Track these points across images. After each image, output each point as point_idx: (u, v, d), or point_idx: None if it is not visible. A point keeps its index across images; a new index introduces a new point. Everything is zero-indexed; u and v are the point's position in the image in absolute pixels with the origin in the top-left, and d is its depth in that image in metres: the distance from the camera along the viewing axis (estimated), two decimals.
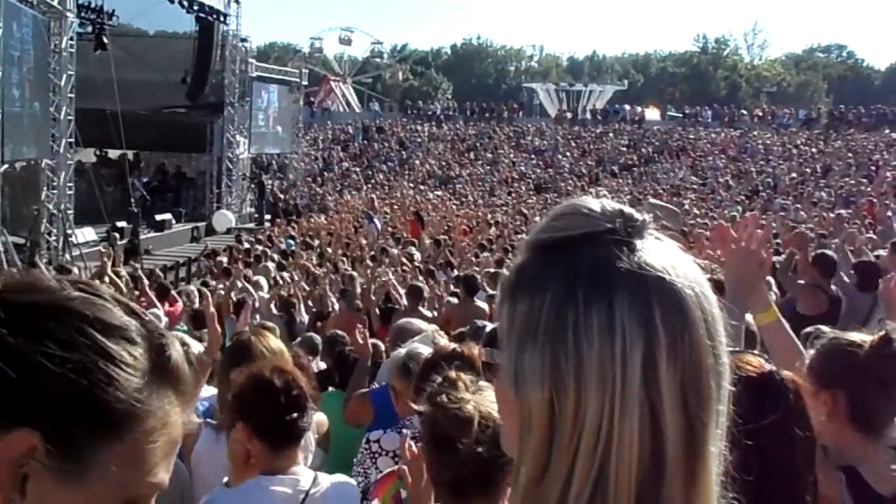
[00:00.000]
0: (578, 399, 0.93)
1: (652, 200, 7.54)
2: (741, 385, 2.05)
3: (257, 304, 11.62)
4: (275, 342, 3.91)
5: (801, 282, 8.20)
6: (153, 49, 31.04)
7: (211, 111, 31.08)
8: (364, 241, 20.72)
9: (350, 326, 8.79)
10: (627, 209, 1.01)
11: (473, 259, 16.97)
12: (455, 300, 10.85)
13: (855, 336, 2.68)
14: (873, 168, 33.91)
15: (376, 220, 25.27)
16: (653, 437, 0.92)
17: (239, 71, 31.97)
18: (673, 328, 0.93)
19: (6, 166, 18.64)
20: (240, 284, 13.42)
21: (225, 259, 19.16)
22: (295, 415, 2.93)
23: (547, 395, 0.94)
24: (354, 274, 13.29)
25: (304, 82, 41.57)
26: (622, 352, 0.92)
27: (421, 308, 10.08)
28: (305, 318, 11.48)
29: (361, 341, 5.57)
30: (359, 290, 11.88)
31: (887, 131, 41.18)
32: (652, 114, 55.04)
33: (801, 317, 7.06)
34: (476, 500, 2.32)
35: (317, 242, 21.14)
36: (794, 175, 35.74)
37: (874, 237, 14.74)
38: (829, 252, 9.24)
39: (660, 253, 0.97)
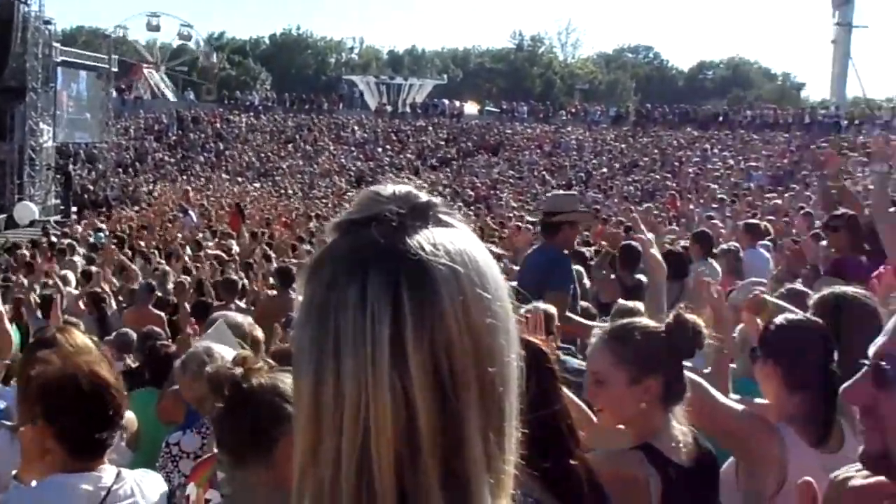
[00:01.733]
0: (337, 375, 0.94)
1: (556, 192, 7.89)
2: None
3: (64, 301, 11.08)
4: (80, 338, 3.71)
5: (603, 272, 8.71)
6: None
7: (11, 97, 29.33)
8: (179, 235, 20.14)
9: (146, 321, 8.54)
10: (415, 192, 1.03)
11: (291, 252, 16.78)
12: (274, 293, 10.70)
13: (646, 320, 2.92)
14: (677, 164, 35.65)
15: (192, 213, 24.65)
16: (407, 415, 0.93)
17: (42, 55, 30.32)
18: (420, 307, 0.94)
19: None
20: (48, 280, 12.76)
21: (27, 253, 18.20)
22: (105, 434, 2.79)
23: (312, 374, 0.96)
24: (168, 269, 12.90)
25: (114, 69, 39.98)
26: (371, 330, 0.93)
27: (237, 301, 9.88)
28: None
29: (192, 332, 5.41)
30: (171, 284, 11.53)
31: (689, 129, 43.37)
32: (470, 108, 55.96)
33: (602, 305, 7.51)
34: (251, 464, 2.36)
35: (126, 236, 20.36)
36: (604, 170, 37.13)
37: (676, 228, 15.49)
38: (634, 244, 9.68)
39: (433, 235, 0.98)
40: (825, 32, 56.57)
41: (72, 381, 2.79)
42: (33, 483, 2.84)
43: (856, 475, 1.62)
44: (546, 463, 2.22)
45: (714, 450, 2.99)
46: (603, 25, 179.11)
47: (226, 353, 3.79)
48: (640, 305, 4.81)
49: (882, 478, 1.56)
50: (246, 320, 4.61)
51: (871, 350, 1.52)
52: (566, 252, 6.60)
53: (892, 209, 6.23)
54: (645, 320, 2.95)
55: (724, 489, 3.05)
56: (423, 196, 1.03)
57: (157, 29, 63.84)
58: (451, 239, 0.99)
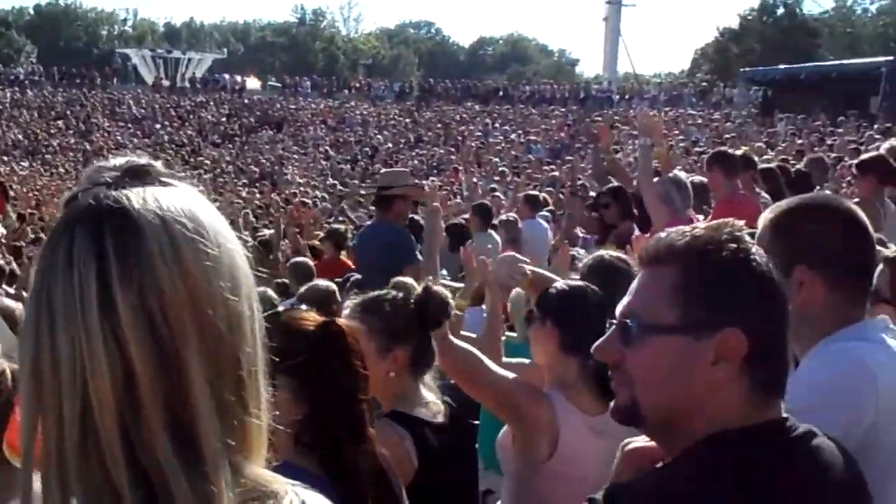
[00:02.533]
0: (52, 341, 0.94)
1: (388, 169, 8.00)
2: (303, 335, 2.26)
3: None
4: None
5: None
6: None
7: None
8: None
9: None
10: (135, 159, 1.03)
11: None
12: None
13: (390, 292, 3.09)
14: (460, 138, 36.34)
15: None
16: (124, 367, 0.93)
17: None
18: (124, 255, 0.94)
19: None
20: None
21: None
22: None
23: (31, 341, 0.96)
24: None
25: None
26: (79, 286, 0.93)
27: (5, 286, 9.29)
28: None
29: None
30: None
31: (471, 104, 44.28)
32: (252, 83, 54.86)
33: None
34: None
35: None
36: (389, 145, 37.36)
37: (461, 202, 15.82)
38: (415, 217, 9.83)
39: (144, 191, 0.99)
40: (597, 10, 59.05)
41: None
42: None
43: (636, 440, 1.73)
44: (329, 442, 2.26)
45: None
46: (385, 1, 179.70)
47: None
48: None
49: (648, 442, 1.66)
50: (17, 306, 4.36)
51: (618, 309, 1.61)
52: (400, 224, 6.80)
53: (655, 179, 6.63)
54: (394, 292, 3.04)
55: (502, 455, 3.16)
56: (143, 160, 1.03)
57: None
58: (165, 194, 1.00)
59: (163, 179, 1.02)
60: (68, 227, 0.96)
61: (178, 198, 1.00)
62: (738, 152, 8.16)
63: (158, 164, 1.04)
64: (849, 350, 2.07)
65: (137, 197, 0.97)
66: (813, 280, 2.12)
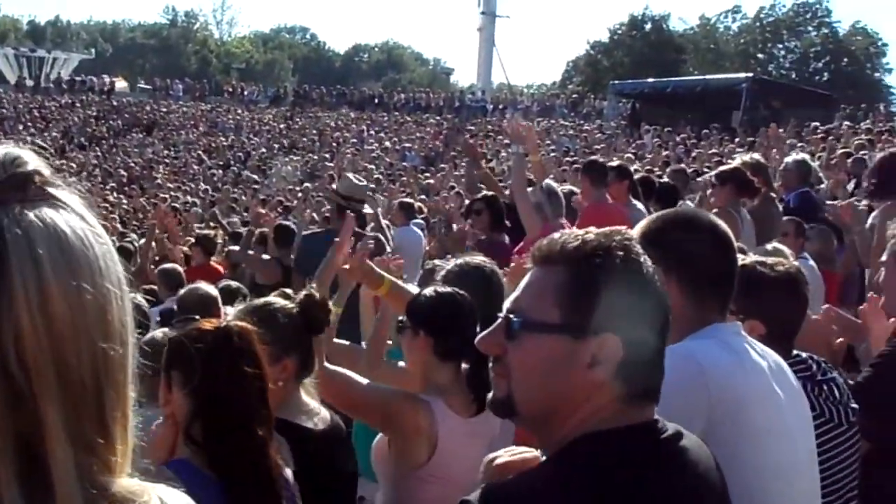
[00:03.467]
0: None
1: (351, 177, 7.73)
2: (200, 338, 2.36)
3: None
4: None
5: (257, 255, 8.70)
6: None
7: None
8: None
9: None
10: (23, 159, 0.98)
11: None
12: None
13: (282, 301, 3.05)
14: (335, 144, 36.18)
15: None
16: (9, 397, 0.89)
17: None
18: None
19: None
20: None
21: None
22: None
23: None
24: None
25: None
26: None
27: None
28: None
29: None
30: None
31: (347, 110, 44.16)
32: (121, 85, 53.37)
33: (259, 286, 7.62)
34: None
35: None
36: (263, 150, 36.93)
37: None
38: (287, 223, 9.79)
39: (23, 214, 0.94)
40: (472, 21, 59.65)
41: None
42: None
43: (500, 454, 1.77)
44: (218, 441, 2.33)
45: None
46: (258, 5, 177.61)
47: None
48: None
49: (513, 456, 1.71)
50: None
51: (506, 304, 1.66)
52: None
53: (529, 189, 6.76)
54: (282, 301, 3.02)
55: (378, 461, 3.18)
56: (30, 164, 0.98)
57: None
58: (46, 218, 0.94)
59: (47, 190, 0.97)
60: None
61: (56, 225, 0.94)
62: (614, 163, 8.35)
63: (44, 168, 0.98)
64: (680, 347, 2.15)
65: (12, 223, 0.92)
66: (671, 286, 2.22)
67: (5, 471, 0.89)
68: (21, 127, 40.88)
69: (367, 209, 8.21)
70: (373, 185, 17.01)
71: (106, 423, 0.96)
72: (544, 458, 1.64)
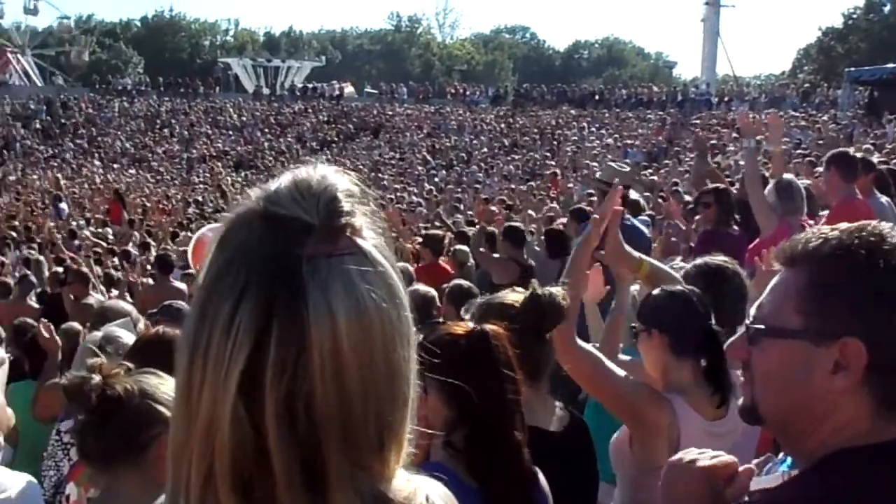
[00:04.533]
0: (201, 387, 0.94)
1: (612, 163, 7.83)
2: (452, 342, 2.32)
3: None
4: None
5: (496, 255, 8.68)
6: None
7: None
8: (51, 224, 19.48)
9: (21, 314, 8.23)
10: (340, 201, 1.00)
11: (171, 239, 16.45)
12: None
13: (510, 296, 2.94)
14: (556, 143, 36.17)
15: (63, 203, 23.86)
16: (255, 442, 0.92)
17: None
18: (285, 351, 0.93)
19: None
20: None
21: None
22: None
23: (183, 374, 0.96)
24: (41, 258, 12.47)
25: None
26: (230, 354, 0.92)
27: (92, 292, 9.56)
28: None
29: (47, 335, 5.24)
30: (46, 274, 11.15)
31: (567, 108, 44.02)
32: (350, 90, 55.52)
33: (496, 286, 7.57)
34: (121, 468, 2.31)
35: None
36: (485, 150, 37.42)
37: (556, 207, 15.75)
38: (517, 224, 9.82)
39: (331, 275, 0.95)
40: (695, 12, 58.05)
41: None
42: None
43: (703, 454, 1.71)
44: (477, 445, 2.33)
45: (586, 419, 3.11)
46: (480, 6, 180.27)
47: (128, 339, 3.75)
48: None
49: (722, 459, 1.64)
50: (133, 309, 4.53)
51: (752, 309, 1.60)
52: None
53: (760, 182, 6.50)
54: (502, 294, 2.99)
55: (617, 458, 3.14)
56: (345, 206, 0.98)
57: (34, 13, 61.80)
58: (350, 281, 0.95)
59: (356, 242, 0.97)
60: (246, 277, 0.93)
61: (359, 293, 0.94)
62: (857, 154, 7.88)
63: (358, 211, 0.99)
64: None
65: (317, 286, 0.93)
66: None
67: (292, 488, 0.93)
68: (259, 133, 43.36)
69: (634, 194, 7.94)
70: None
71: (385, 452, 0.99)
72: (794, 469, 1.56)
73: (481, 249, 8.99)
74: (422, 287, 5.45)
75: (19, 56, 58.62)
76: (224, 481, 0.92)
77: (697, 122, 35.49)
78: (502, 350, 2.41)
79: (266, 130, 43.95)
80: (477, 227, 10.64)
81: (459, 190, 25.50)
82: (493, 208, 12.02)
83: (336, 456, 0.94)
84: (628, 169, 7.67)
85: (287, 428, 0.92)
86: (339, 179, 1.01)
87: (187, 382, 0.95)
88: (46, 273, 11.54)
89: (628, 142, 32.85)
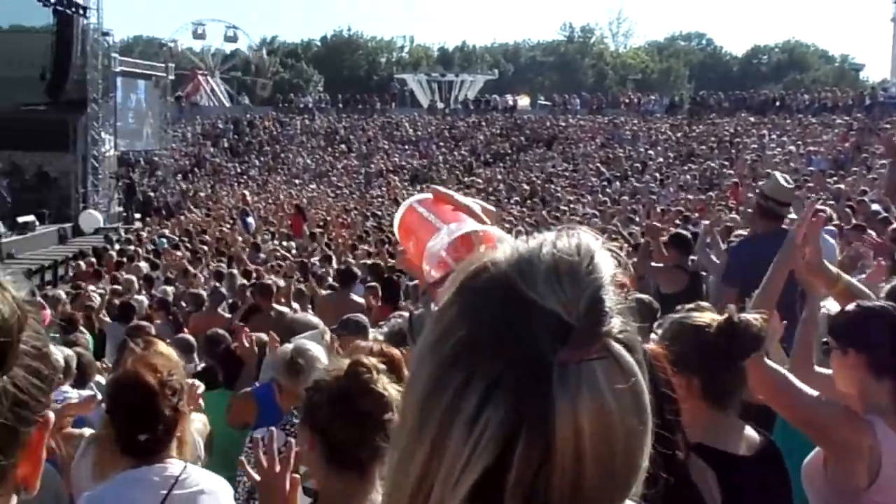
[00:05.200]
0: (432, 449, 0.89)
1: (778, 178, 7.41)
2: None
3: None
4: (160, 343, 3.84)
5: (660, 264, 8.52)
6: (8, 44, 29.76)
7: (73, 108, 29.84)
8: (239, 238, 20.43)
9: (214, 325, 8.63)
10: (600, 293, 0.90)
11: (351, 252, 16.94)
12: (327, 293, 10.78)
13: (703, 317, 2.81)
14: (734, 151, 35.19)
15: (249, 217, 24.95)
16: None
17: (101, 66, 30.83)
18: (527, 472, 0.86)
19: None
20: (117, 287, 13.07)
21: (94, 260, 18.61)
22: (146, 436, 2.91)
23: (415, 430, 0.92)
24: (233, 271, 13.09)
25: (171, 77, 40.57)
26: (471, 451, 0.86)
27: (275, 304, 9.87)
28: None
29: (247, 344, 5.49)
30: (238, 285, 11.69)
31: (745, 115, 42.73)
32: (522, 102, 55.74)
33: (664, 295, 7.44)
34: (349, 472, 2.43)
35: (189, 241, 20.69)
36: (660, 159, 36.80)
37: (737, 217, 15.32)
38: (682, 231, 9.62)
39: (590, 385, 0.88)
40: (884, 11, 55.28)
41: (123, 386, 2.96)
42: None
43: None
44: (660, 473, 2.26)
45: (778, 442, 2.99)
46: (654, 14, 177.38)
47: (318, 351, 3.91)
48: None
49: None
50: (320, 322, 4.70)
51: None
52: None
53: None
54: (695, 316, 2.86)
55: (810, 481, 3.03)
56: (609, 303, 0.89)
57: (202, 37, 65.24)
58: (599, 394, 0.87)
59: (610, 346, 0.89)
60: (497, 373, 0.86)
61: (608, 411, 0.87)
62: None
63: (621, 314, 0.90)
64: None
65: (565, 395, 0.85)
66: None
67: None
68: (434, 147, 44.12)
69: (792, 214, 7.48)
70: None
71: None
72: None
73: (646, 261, 8.87)
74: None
75: (209, 78, 61.93)
76: None
77: (888, 126, 33.72)
78: (661, 370, 2.37)
79: (441, 144, 44.66)
80: (643, 240, 10.48)
81: (634, 201, 25.16)
82: (659, 224, 11.74)
83: None
84: (791, 186, 7.25)
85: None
86: (606, 262, 0.92)
87: (411, 458, 0.90)
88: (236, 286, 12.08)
89: (812, 149, 31.60)
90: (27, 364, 0.93)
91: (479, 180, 36.46)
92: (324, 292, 11.11)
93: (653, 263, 8.70)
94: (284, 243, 19.37)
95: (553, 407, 0.84)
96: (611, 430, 0.87)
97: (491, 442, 0.84)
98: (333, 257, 15.85)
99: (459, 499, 0.85)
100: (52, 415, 0.99)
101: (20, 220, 25.54)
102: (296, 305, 10.55)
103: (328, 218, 25.47)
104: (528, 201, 29.67)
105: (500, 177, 37.12)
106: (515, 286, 0.88)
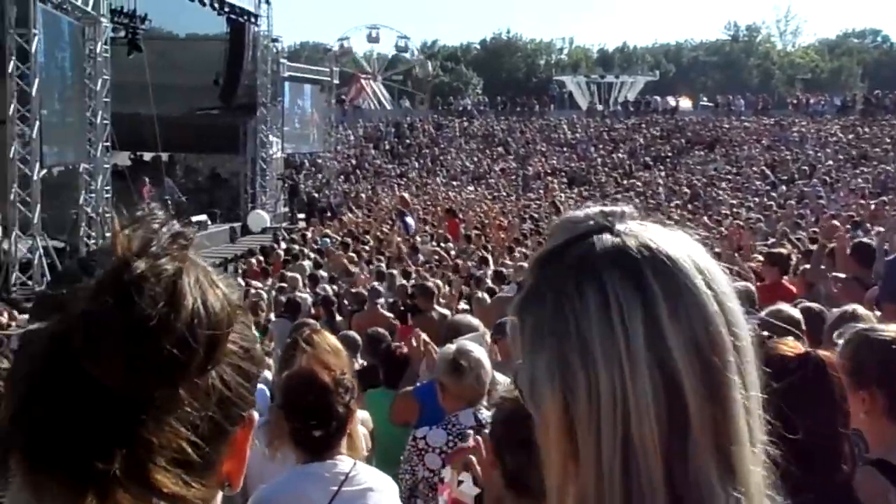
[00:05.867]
0: (588, 378, 0.95)
1: None
2: (780, 364, 2.24)
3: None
4: (332, 339, 3.91)
5: (840, 275, 8.10)
6: (185, 52, 31.32)
7: (244, 112, 31.16)
8: (398, 239, 20.77)
9: (376, 324, 8.78)
10: (609, 207, 1.04)
11: (508, 254, 17.00)
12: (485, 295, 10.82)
13: (890, 331, 2.68)
14: None
15: (408, 218, 25.31)
16: (668, 393, 0.94)
17: (271, 71, 32.04)
18: (670, 289, 0.96)
19: (45, 171, 18.82)
20: (284, 284, 13.55)
21: (262, 259, 19.32)
22: (320, 432, 3.00)
23: (559, 388, 0.96)
24: (393, 271, 13.34)
25: (336, 81, 41.67)
26: (621, 319, 0.94)
27: (436, 306, 9.95)
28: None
29: (415, 343, 5.59)
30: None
31: None
32: (684, 104, 54.59)
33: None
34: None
35: (351, 241, 21.19)
36: (829, 162, 35.36)
37: None
38: (867, 241, 9.16)
39: (645, 231, 1.01)
40: None
41: (299, 383, 3.04)
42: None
43: None
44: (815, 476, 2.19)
45: None
46: (824, 11, 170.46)
47: (480, 353, 3.97)
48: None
49: None
50: (481, 325, 4.74)
51: None
52: None
53: None
54: (881, 329, 2.73)
55: None
56: (618, 207, 1.04)
57: (376, 41, 66.75)
58: (664, 232, 1.01)
59: (639, 221, 1.04)
60: (591, 270, 0.97)
61: (681, 238, 1.02)
62: None
63: (629, 209, 1.06)
64: None
65: (655, 238, 0.99)
66: None
67: (708, 465, 0.95)
68: (593, 149, 43.75)
69: None
70: None
71: (754, 412, 1.01)
72: None
73: (822, 267, 8.50)
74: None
75: (371, 81, 63.34)
76: (651, 461, 0.95)
77: None
78: (836, 380, 2.29)
79: (599, 146, 44.26)
80: (817, 244, 10.05)
81: (801, 206, 24.26)
82: (836, 223, 11.27)
83: (740, 405, 0.98)
84: None
85: (699, 364, 0.95)
86: None
87: (566, 393, 0.97)
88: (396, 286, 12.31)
89: None
90: (236, 364, 0.97)
91: (639, 183, 35.93)
92: (481, 294, 11.18)
93: (833, 273, 8.27)
94: (443, 245, 19.58)
95: None
96: None
97: None
98: (490, 259, 15.93)
99: (643, 352, 0.94)
100: (256, 414, 1.02)
101: (194, 219, 26.81)
102: (463, 305, 10.64)
103: (485, 220, 25.60)
104: (690, 205, 29.04)
105: (659, 180, 36.48)
106: None
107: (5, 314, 10.91)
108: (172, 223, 0.96)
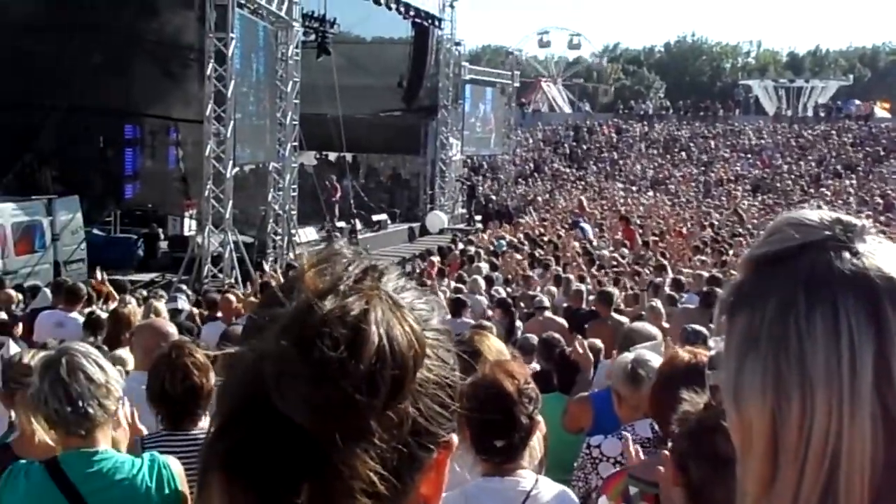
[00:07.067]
0: (804, 405, 0.90)
1: None
2: None
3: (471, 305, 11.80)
4: (496, 342, 3.93)
5: None
6: (371, 55, 32.15)
7: (425, 114, 31.78)
8: (576, 244, 20.67)
9: (544, 329, 8.75)
10: (845, 217, 0.98)
11: (687, 262, 16.65)
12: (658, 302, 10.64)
13: None
14: None
15: (584, 223, 25.14)
16: (887, 438, 0.89)
17: (452, 74, 32.49)
18: None
19: (237, 169, 19.73)
20: (454, 285, 13.71)
21: (439, 259, 19.63)
22: (502, 442, 2.96)
23: (769, 404, 0.92)
24: (571, 276, 13.30)
25: (516, 84, 41.83)
26: (850, 352, 0.89)
27: (613, 314, 9.82)
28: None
29: (581, 351, 5.57)
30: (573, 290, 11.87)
31: None
32: (880, 112, 51.91)
33: None
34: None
35: (527, 244, 21.22)
36: None
37: None
38: None
39: (885, 254, 0.94)
40: None
41: (482, 392, 2.92)
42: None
43: None
44: None
45: None
46: None
47: (658, 363, 3.91)
48: None
49: None
50: (658, 333, 4.68)
51: None
52: None
53: None
54: None
55: None
56: (855, 220, 0.98)
57: (547, 45, 66.79)
58: None
59: (877, 238, 0.97)
60: (825, 288, 0.92)
61: None
62: None
63: (868, 223, 0.99)
64: None
65: (888, 262, 0.93)
66: None
67: None
68: (778, 156, 42.23)
69: None
70: None
71: None
72: None
73: None
74: None
75: (551, 84, 63.29)
76: (858, 498, 0.90)
77: None
78: None
79: (785, 153, 42.68)
80: None
81: None
82: None
83: None
84: None
85: None
86: None
87: (776, 410, 0.93)
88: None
89: None
90: (432, 393, 0.95)
91: (827, 192, 34.44)
92: (656, 302, 10.99)
93: None
94: (620, 251, 19.37)
95: None
96: None
97: None
98: (668, 266, 15.64)
99: (869, 391, 0.89)
100: (455, 437, 1.00)
101: (374, 218, 27.55)
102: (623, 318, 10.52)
103: (664, 227, 25.14)
104: (882, 216, 27.62)
105: (850, 189, 34.84)
106: None
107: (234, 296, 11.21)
108: (362, 258, 0.95)
